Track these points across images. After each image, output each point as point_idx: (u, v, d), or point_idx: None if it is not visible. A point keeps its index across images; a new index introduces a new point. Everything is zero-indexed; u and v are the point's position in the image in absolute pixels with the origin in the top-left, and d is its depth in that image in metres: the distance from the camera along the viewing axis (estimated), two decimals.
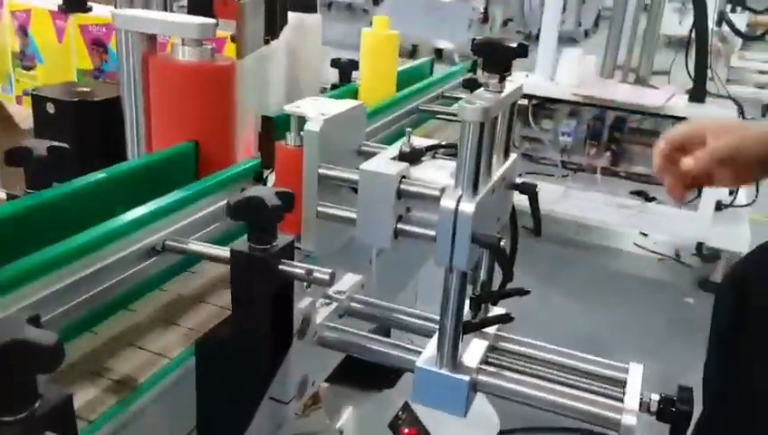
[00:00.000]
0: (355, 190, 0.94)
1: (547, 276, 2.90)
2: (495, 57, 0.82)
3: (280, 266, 0.70)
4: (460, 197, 0.79)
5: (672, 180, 1.06)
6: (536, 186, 0.98)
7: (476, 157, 0.78)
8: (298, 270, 0.70)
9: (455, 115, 1.53)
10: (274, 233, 0.70)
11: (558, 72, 3.17)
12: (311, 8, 1.56)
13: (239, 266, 0.69)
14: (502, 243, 0.80)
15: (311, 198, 0.90)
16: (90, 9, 1.38)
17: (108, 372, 0.66)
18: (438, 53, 7.42)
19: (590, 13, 8.14)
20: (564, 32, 4.31)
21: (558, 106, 3.25)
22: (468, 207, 0.78)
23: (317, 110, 0.91)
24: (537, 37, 7.81)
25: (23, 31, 1.41)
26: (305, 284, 0.77)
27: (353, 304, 1.00)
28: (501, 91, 0.84)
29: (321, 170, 0.89)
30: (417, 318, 0.98)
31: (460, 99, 1.69)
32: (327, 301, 0.97)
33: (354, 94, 1.44)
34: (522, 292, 0.95)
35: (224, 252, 0.72)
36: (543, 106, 3.28)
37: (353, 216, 0.89)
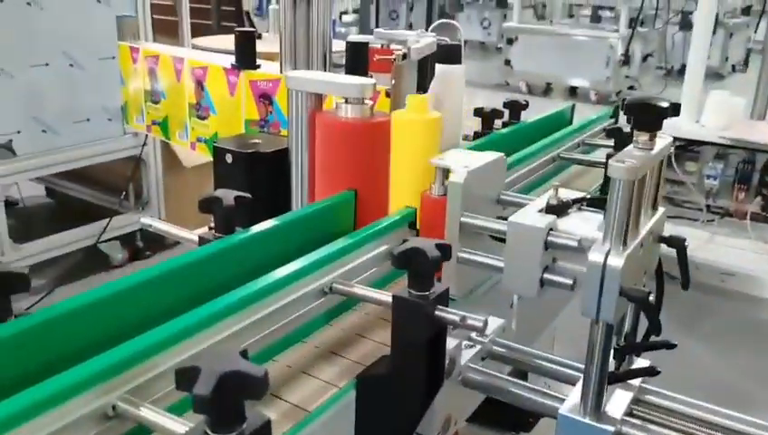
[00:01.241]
0: (494, 238, 1.00)
1: (687, 324, 2.76)
2: (646, 117, 0.85)
3: (436, 313, 0.76)
4: (608, 251, 0.81)
5: None
6: (685, 240, 0.98)
7: (626, 213, 0.81)
8: (453, 316, 0.75)
9: (596, 164, 1.55)
10: (432, 281, 0.76)
11: (704, 113, 3.06)
12: (456, 60, 1.64)
13: (400, 311, 0.76)
14: (651, 298, 0.82)
15: (453, 245, 0.96)
16: (259, 66, 1.54)
17: (285, 396, 0.75)
18: (573, 91, 7.32)
19: (737, 46, 7.73)
20: (709, 67, 4.15)
21: (703, 148, 3.12)
22: (617, 261, 0.80)
23: (460, 162, 0.98)
24: (679, 72, 7.56)
25: (199, 85, 1.58)
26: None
27: (495, 348, 1.04)
28: (651, 149, 0.86)
29: (463, 219, 0.96)
30: (557, 365, 1.01)
31: (601, 146, 1.70)
32: (470, 343, 1.02)
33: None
34: (668, 345, 0.95)
35: (386, 296, 0.79)
36: (687, 148, 3.16)
37: (492, 262, 0.94)
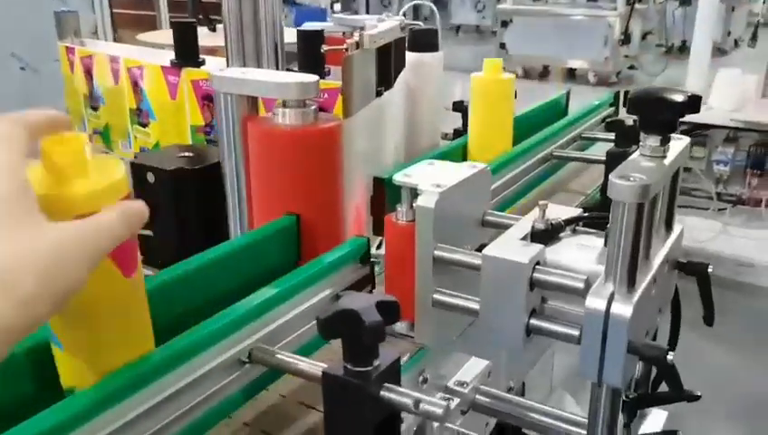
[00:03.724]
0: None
1: (700, 324, 2.56)
2: (657, 115, 0.65)
3: (382, 393, 0.56)
4: (612, 294, 0.62)
5: None
6: (708, 265, 0.78)
7: (633, 244, 0.61)
8: (404, 399, 0.56)
9: (595, 162, 1.35)
10: (375, 352, 0.56)
11: (712, 94, 2.84)
12: (432, 47, 1.43)
13: (333, 393, 0.56)
14: (669, 357, 0.62)
15: (425, 283, 0.76)
16: (202, 63, 1.33)
17: None
18: (571, 73, 7.09)
19: (740, 20, 7.49)
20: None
21: (711, 131, 2.91)
22: (623, 309, 0.61)
23: (431, 179, 0.76)
24: (680, 49, 7.33)
25: (137, 87, 1.38)
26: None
27: (479, 397, 0.85)
28: (664, 157, 0.66)
29: (437, 252, 0.75)
30: (553, 419, 0.81)
31: (600, 140, 1.50)
32: (448, 396, 0.83)
33: (463, 152, 1.28)
34: (691, 397, 0.76)
35: (315, 369, 0.60)
36: (694, 132, 2.95)
37: (476, 306, 0.74)
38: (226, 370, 0.63)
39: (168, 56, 1.41)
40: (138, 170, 0.94)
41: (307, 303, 0.70)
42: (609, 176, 0.60)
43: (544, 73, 7.17)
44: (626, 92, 0.68)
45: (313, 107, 0.87)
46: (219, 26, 3.13)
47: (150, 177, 0.94)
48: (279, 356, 0.63)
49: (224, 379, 0.63)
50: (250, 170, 0.90)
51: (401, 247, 0.78)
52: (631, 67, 6.98)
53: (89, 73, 1.52)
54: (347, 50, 0.98)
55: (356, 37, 0.95)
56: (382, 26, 1.04)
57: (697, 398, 0.74)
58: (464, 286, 0.77)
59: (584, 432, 0.74)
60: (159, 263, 0.84)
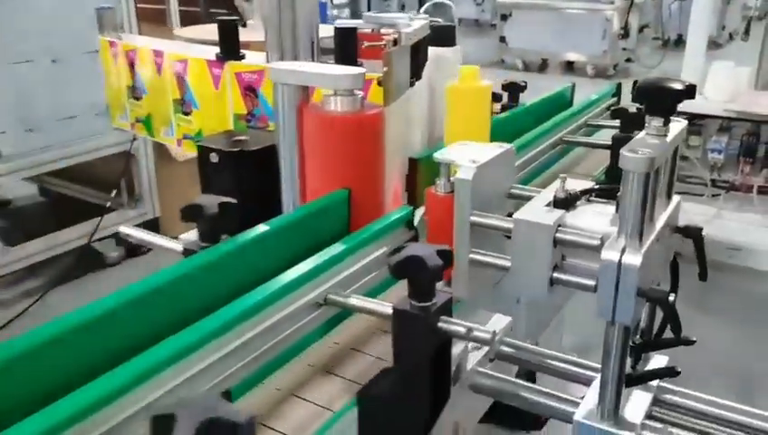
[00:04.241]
0: (508, 236, 0.93)
1: (695, 301, 2.71)
2: (660, 101, 0.79)
3: (439, 324, 0.70)
4: (624, 248, 0.75)
5: None
6: (701, 229, 0.92)
7: (640, 207, 0.75)
8: (458, 328, 0.69)
9: (602, 147, 1.48)
10: (434, 291, 0.70)
11: (707, 85, 2.98)
12: (450, 41, 1.56)
13: (401, 324, 0.70)
14: (671, 298, 0.76)
15: (463, 246, 0.89)
16: (243, 57, 1.46)
17: (275, 425, 0.68)
18: (569, 66, 7.22)
19: (734, 14, 7.61)
20: None
21: (706, 121, 3.05)
22: (634, 259, 0.74)
23: (467, 156, 0.90)
24: (676, 43, 7.45)
25: (181, 79, 1.51)
26: None
27: (503, 348, 0.98)
28: (665, 135, 0.80)
29: (473, 218, 0.89)
30: (569, 364, 0.95)
31: (605, 127, 1.64)
32: (477, 345, 0.96)
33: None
34: (687, 341, 0.90)
35: (385, 308, 0.73)
36: (690, 122, 3.09)
37: (507, 263, 0.88)
38: (307, 310, 0.76)
39: (198, 49, 1.55)
40: (204, 152, 1.08)
41: (368, 257, 0.84)
42: (621, 150, 0.73)
43: (543, 66, 7.30)
44: (634, 82, 0.81)
45: (360, 95, 1.00)
46: (249, 22, 3.26)
47: (214, 157, 1.07)
48: (352, 299, 0.77)
49: (304, 318, 0.76)
50: (304, 151, 1.03)
51: (440, 215, 0.92)
52: (628, 60, 7.11)
53: (131, 66, 1.65)
54: (385, 46, 1.11)
55: (394, 35, 1.08)
56: (415, 25, 1.17)
57: (692, 342, 0.88)
58: (489, 248, 0.91)
59: (594, 373, 0.88)
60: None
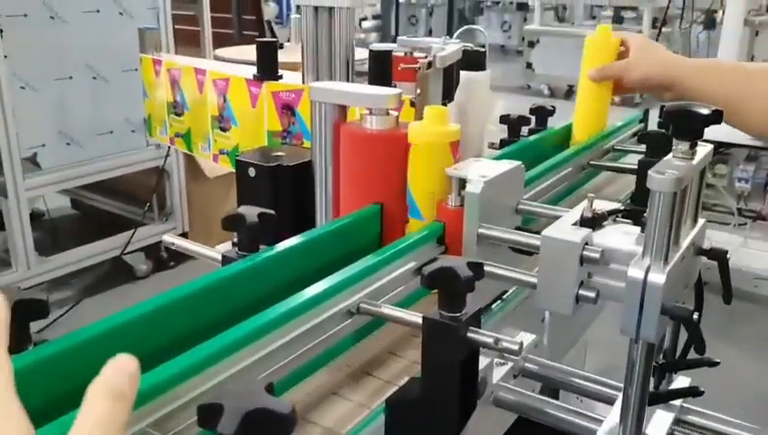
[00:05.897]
0: (513, 249, 0.97)
1: (720, 332, 2.70)
2: (687, 124, 0.81)
3: (469, 334, 0.72)
4: (649, 266, 0.78)
5: None
6: (726, 252, 0.94)
7: (666, 226, 0.77)
8: (486, 338, 0.72)
9: (628, 171, 1.50)
10: (464, 301, 0.73)
11: None
12: (480, 66, 1.61)
13: (431, 333, 0.73)
14: (694, 316, 0.78)
15: (470, 256, 0.93)
16: (281, 77, 1.52)
17: (316, 419, 0.72)
18: None
19: (763, 44, 7.59)
20: None
21: (734, 150, 3.06)
22: (658, 277, 0.77)
23: (477, 172, 0.95)
24: None
25: (222, 97, 1.57)
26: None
27: (528, 365, 1.00)
28: (692, 158, 0.82)
29: (480, 230, 0.93)
30: (593, 383, 0.97)
31: (631, 152, 1.66)
32: (502, 361, 0.98)
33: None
34: (711, 363, 0.91)
35: (416, 317, 0.76)
36: (717, 150, 3.10)
37: (512, 275, 0.91)
38: (340, 319, 0.79)
39: (245, 70, 1.61)
40: (242, 166, 1.12)
41: (399, 270, 0.87)
42: (649, 171, 0.76)
43: (569, 93, 7.33)
44: (661, 107, 0.85)
45: (395, 115, 1.04)
46: (286, 44, 3.36)
47: (252, 171, 1.12)
48: (384, 308, 0.80)
49: (337, 326, 0.79)
50: (340, 167, 1.07)
51: (451, 228, 0.97)
52: None
53: (173, 83, 1.71)
54: (419, 68, 1.15)
55: (429, 58, 1.13)
56: (448, 49, 1.22)
57: (716, 364, 0.90)
58: (497, 260, 0.94)
59: (617, 392, 0.89)
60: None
